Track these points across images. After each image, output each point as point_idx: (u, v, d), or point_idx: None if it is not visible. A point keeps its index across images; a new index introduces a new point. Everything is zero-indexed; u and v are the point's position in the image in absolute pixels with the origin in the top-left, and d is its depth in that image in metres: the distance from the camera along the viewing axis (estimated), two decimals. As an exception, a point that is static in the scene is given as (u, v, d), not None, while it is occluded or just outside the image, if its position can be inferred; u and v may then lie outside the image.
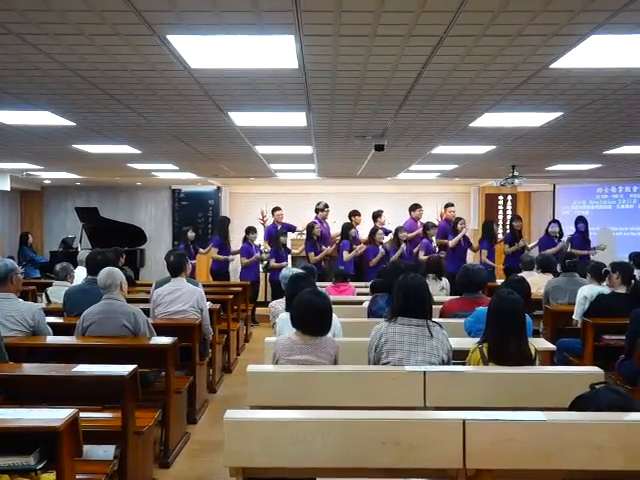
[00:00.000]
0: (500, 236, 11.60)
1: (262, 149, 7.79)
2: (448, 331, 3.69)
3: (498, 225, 13.00)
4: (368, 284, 6.91)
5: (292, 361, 3.47)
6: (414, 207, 10.40)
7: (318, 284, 5.10)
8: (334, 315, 3.86)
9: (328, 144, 7.37)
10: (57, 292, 6.13)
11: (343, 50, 3.56)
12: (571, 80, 4.28)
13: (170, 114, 5.51)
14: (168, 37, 3.32)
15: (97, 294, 4.64)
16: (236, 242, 10.31)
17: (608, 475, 2.52)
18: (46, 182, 13.39)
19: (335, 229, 10.45)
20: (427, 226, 9.67)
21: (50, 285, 6.52)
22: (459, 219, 9.78)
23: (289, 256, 10.01)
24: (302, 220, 10.99)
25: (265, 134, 6.60)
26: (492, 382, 3.40)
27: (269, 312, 5.30)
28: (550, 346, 4.41)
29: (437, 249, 9.73)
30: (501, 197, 14.18)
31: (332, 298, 3.96)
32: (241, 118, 5.69)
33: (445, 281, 6.95)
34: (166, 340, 4.41)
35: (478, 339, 3.68)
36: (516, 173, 9.41)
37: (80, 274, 6.65)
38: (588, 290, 5.84)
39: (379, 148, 6.66)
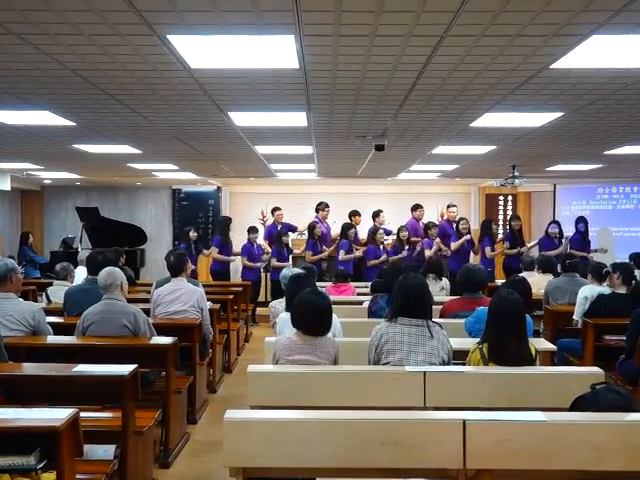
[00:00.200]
0: (500, 236, 11.58)
1: (262, 149, 7.79)
2: (448, 331, 3.69)
3: (498, 225, 12.99)
4: (368, 284, 6.92)
5: (292, 361, 3.47)
6: (415, 207, 10.47)
7: (318, 284, 5.09)
8: (334, 315, 3.86)
9: (328, 144, 7.37)
10: (57, 292, 6.13)
11: (343, 50, 3.56)
12: (571, 80, 4.28)
13: (170, 114, 5.51)
14: (168, 37, 3.32)
15: (97, 294, 4.64)
16: (237, 242, 10.31)
17: (608, 476, 2.52)
18: (46, 182, 13.40)
19: (335, 229, 10.46)
20: (428, 226, 9.72)
21: (50, 285, 6.52)
22: (462, 219, 9.76)
23: (290, 256, 10.02)
24: (302, 220, 11.00)
25: (265, 134, 6.60)
26: (492, 382, 3.40)
27: (269, 312, 5.30)
28: (550, 346, 4.41)
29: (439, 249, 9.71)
30: (501, 197, 14.19)
31: (332, 298, 3.96)
32: (241, 118, 5.69)
33: (445, 281, 6.95)
34: (166, 340, 4.41)
35: (478, 339, 3.68)
36: (516, 173, 9.41)
37: (80, 274, 6.66)
38: (588, 290, 5.84)
39: (379, 148, 6.65)
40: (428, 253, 9.20)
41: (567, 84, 4.39)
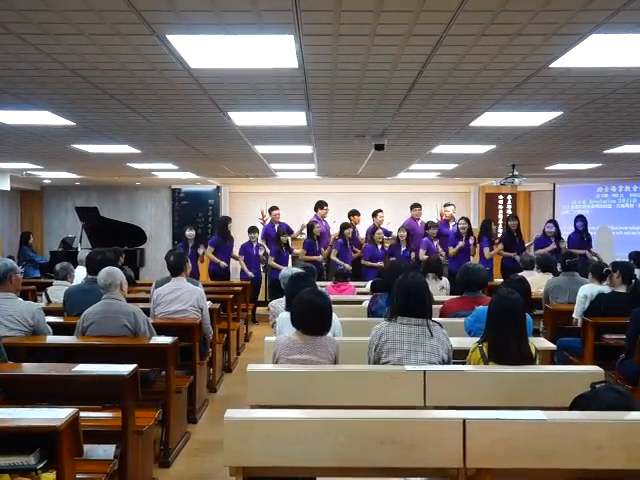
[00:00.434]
0: (499, 236, 11.57)
1: (262, 149, 7.79)
2: (448, 330, 3.69)
3: (498, 225, 12.99)
4: (368, 284, 6.93)
5: (292, 360, 3.47)
6: (414, 206, 10.49)
7: (318, 284, 5.09)
8: (334, 315, 3.86)
9: (328, 144, 7.37)
10: (57, 292, 6.13)
11: (343, 50, 3.56)
12: (571, 79, 4.28)
13: (170, 114, 5.51)
14: (168, 37, 3.32)
15: (97, 294, 4.65)
16: (237, 242, 10.30)
17: (608, 474, 2.52)
18: (46, 182, 13.40)
19: (335, 228, 10.47)
20: (427, 225, 9.71)
21: (50, 285, 6.52)
22: (462, 218, 9.70)
23: (290, 256, 10.01)
24: (302, 220, 10.98)
25: (265, 134, 6.60)
26: (492, 381, 3.40)
27: (269, 312, 5.30)
28: (550, 345, 4.41)
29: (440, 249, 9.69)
30: (501, 196, 14.20)
31: (332, 298, 3.96)
32: (241, 118, 5.69)
33: (445, 280, 6.95)
34: (166, 340, 4.41)
35: (478, 338, 3.68)
36: (516, 172, 9.41)
37: (80, 274, 6.66)
38: (588, 289, 5.84)
39: (379, 147, 6.66)
40: (424, 256, 9.14)
41: (566, 83, 4.39)
